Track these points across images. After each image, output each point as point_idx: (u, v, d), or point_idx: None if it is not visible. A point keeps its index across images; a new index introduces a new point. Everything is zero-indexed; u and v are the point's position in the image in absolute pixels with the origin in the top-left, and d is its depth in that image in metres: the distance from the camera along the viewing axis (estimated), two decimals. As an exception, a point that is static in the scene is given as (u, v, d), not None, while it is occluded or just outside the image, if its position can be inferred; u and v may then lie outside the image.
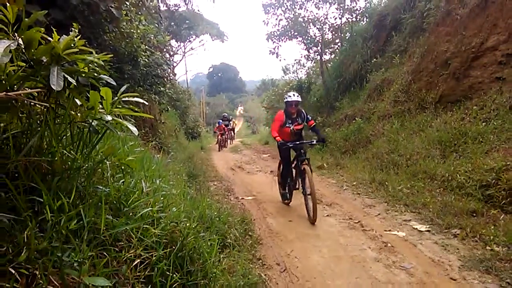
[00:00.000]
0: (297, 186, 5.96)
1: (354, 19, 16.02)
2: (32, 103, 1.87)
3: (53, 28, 1.97)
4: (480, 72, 7.26)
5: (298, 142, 5.72)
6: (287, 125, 5.93)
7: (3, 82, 1.75)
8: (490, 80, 6.99)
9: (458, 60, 7.85)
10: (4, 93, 1.63)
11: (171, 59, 18.83)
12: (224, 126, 20.57)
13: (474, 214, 4.77)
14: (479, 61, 7.34)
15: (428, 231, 4.61)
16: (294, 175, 6.05)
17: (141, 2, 8.15)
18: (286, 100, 5.90)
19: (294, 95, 5.85)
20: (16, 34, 1.77)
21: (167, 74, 9.50)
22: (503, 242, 3.91)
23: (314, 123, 6.24)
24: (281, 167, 6.44)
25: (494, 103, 6.55)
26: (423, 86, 8.90)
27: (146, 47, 7.53)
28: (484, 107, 6.73)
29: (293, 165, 6.04)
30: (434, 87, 8.43)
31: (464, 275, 3.46)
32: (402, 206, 5.66)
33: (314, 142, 5.92)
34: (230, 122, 23.76)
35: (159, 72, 8.32)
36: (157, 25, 10.55)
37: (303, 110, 6.06)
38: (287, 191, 6.33)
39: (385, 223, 5.13)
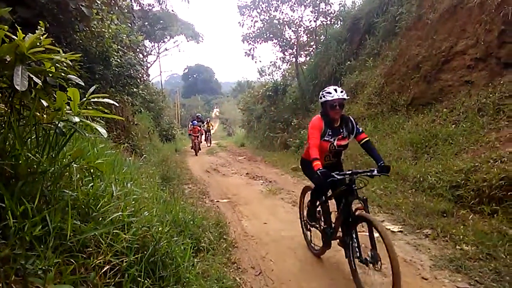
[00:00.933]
0: (337, 236, 3.75)
1: (328, 22, 16.24)
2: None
3: (19, 27, 1.89)
4: (450, 76, 7.48)
5: (349, 172, 3.43)
6: (325, 138, 3.73)
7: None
8: (460, 84, 7.21)
9: (429, 64, 8.06)
10: None
11: (144, 60, 18.53)
12: (198, 127, 18.77)
13: (445, 214, 4.89)
14: (449, 64, 7.57)
15: (401, 231, 4.70)
16: (331, 218, 3.94)
17: (113, 1, 7.97)
18: (325, 99, 3.63)
19: (337, 90, 3.63)
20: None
21: (140, 75, 9.32)
22: (472, 241, 4.02)
23: (368, 138, 3.88)
24: (312, 199, 4.23)
25: (463, 106, 6.76)
26: (396, 89, 9.09)
27: (118, 47, 7.38)
28: (454, 110, 6.93)
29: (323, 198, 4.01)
30: (406, 90, 8.63)
31: (435, 275, 3.53)
32: (376, 207, 5.74)
33: (376, 173, 3.46)
34: (204, 123, 22.45)
35: (132, 72, 8.16)
36: (130, 25, 10.35)
37: (351, 117, 3.89)
38: (319, 244, 4.14)
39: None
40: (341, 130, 3.79)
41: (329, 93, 3.61)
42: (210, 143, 23.00)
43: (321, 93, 3.72)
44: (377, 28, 12.01)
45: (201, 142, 19.56)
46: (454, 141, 6.27)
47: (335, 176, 3.26)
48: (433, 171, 5.88)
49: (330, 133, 3.74)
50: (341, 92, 3.60)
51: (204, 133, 21.87)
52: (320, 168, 3.26)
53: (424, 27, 8.70)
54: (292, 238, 4.74)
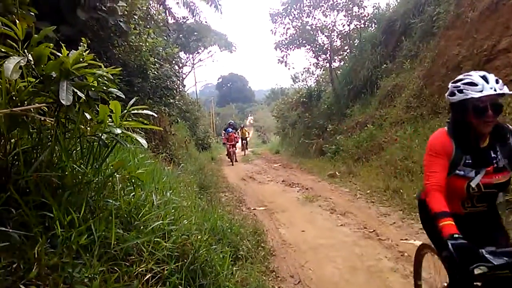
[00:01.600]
0: None
1: (362, 26, 15.98)
2: (42, 119, 1.88)
3: (62, 44, 1.99)
4: (493, 75, 7.14)
5: None
6: (459, 172, 2.01)
7: (14, 98, 1.76)
8: (505, 83, 6.83)
9: (470, 64, 7.73)
10: (10, 109, 1.63)
11: (180, 71, 18.99)
12: (234, 134, 17.64)
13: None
14: (491, 64, 7.22)
15: (445, 239, 4.50)
16: None
17: (149, 16, 8.25)
18: (463, 96, 1.93)
19: (488, 79, 1.92)
20: (26, 50, 1.79)
21: (176, 86, 9.55)
22: None
23: None
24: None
25: (509, 107, 6.42)
26: (436, 91, 8.78)
27: (155, 59, 7.59)
28: (499, 111, 6.60)
29: None
30: (447, 92, 8.31)
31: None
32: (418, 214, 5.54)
33: None
34: (238, 130, 20.82)
35: (168, 84, 8.37)
36: (165, 38, 10.68)
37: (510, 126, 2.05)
38: None
39: (401, 231, 5.02)
40: (493, 155, 1.98)
41: (473, 84, 1.91)
42: (246, 151, 21.93)
43: (451, 84, 2.04)
44: (414, 29, 11.71)
45: (236, 150, 18.20)
46: (501, 143, 5.96)
47: (488, 257, 1.60)
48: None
49: (468, 161, 1.97)
50: (497, 82, 1.93)
51: (240, 141, 20.52)
52: (454, 235, 1.67)
53: (464, 26, 8.38)
54: (331, 246, 4.66)
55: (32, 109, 1.93)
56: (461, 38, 8.37)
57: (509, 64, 6.83)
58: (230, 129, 17.90)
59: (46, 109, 2.05)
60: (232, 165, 16.23)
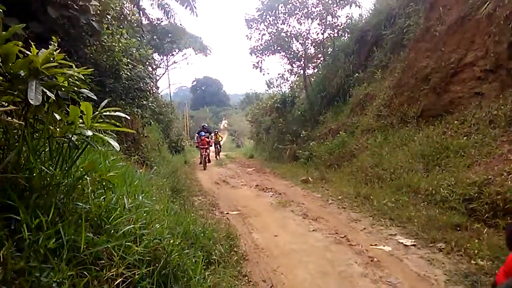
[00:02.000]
0: None
1: (336, 35, 16.28)
2: (9, 118, 1.82)
3: (32, 42, 1.93)
4: (460, 87, 7.43)
5: None
6: None
7: (-20, 96, 1.70)
8: (470, 95, 7.16)
9: (438, 76, 8.03)
10: None
11: (153, 73, 18.72)
12: (206, 139, 17.08)
13: (458, 228, 4.80)
14: (458, 76, 7.52)
15: (414, 245, 4.62)
16: None
17: (122, 16, 8.12)
18: None
19: None
20: (-7, 47, 1.72)
21: (149, 88, 9.43)
22: (488, 256, 3.93)
23: None
24: None
25: (474, 118, 6.69)
26: (405, 100, 9.05)
27: (128, 60, 7.47)
28: (465, 122, 6.86)
29: None
30: (416, 102, 8.59)
31: (450, 289, 3.46)
32: (388, 220, 5.67)
33: None
34: (212, 134, 20.36)
35: (141, 85, 8.25)
36: (139, 39, 10.52)
37: None
38: None
39: (371, 237, 5.12)
40: None
41: None
42: (219, 156, 21.60)
43: None
44: (385, 40, 12.04)
45: (209, 155, 17.23)
46: (466, 153, 6.19)
47: None
48: (445, 183, 5.79)
49: None
50: None
51: (213, 145, 20.19)
52: None
53: (432, 39, 8.69)
54: (303, 251, 4.69)
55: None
56: (429, 50, 8.67)
57: (474, 77, 7.14)
58: (203, 133, 17.56)
59: (13, 107, 1.98)
60: (204, 169, 15.57)
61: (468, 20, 7.57)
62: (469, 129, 6.64)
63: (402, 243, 4.72)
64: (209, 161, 17.08)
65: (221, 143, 24.30)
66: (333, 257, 4.45)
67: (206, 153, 16.42)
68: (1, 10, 2.29)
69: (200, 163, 16.52)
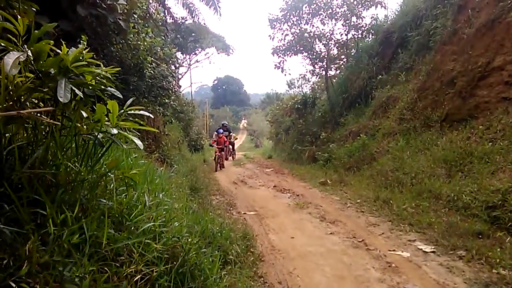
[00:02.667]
0: None
1: (360, 36, 16.09)
2: (38, 115, 1.87)
3: (62, 40, 1.99)
4: (486, 92, 7.24)
5: None
6: None
7: (11, 93, 1.75)
8: (497, 100, 6.96)
9: (464, 79, 7.84)
10: (17, 111, 1.63)
11: (176, 71, 18.92)
12: (224, 137, 15.84)
13: (480, 236, 4.69)
14: (485, 80, 7.33)
15: (433, 252, 4.53)
16: None
17: (148, 15, 8.23)
18: None
19: None
20: (25, 45, 1.78)
21: (172, 86, 9.53)
22: (510, 265, 3.83)
23: None
24: None
25: (500, 123, 6.51)
26: (429, 104, 8.88)
27: (152, 59, 7.58)
28: (490, 127, 6.69)
29: None
30: (440, 106, 8.41)
31: (470, 299, 3.38)
32: (407, 225, 5.58)
33: None
34: (232, 134, 19.57)
35: (164, 84, 8.36)
36: (163, 38, 10.65)
37: None
38: None
39: (389, 242, 5.06)
40: None
41: None
42: (234, 156, 20.81)
43: None
44: (410, 42, 11.84)
45: (222, 158, 15.76)
46: (491, 159, 6.04)
47: None
48: (468, 190, 5.66)
49: None
50: None
51: (228, 146, 18.74)
52: None
53: (460, 42, 8.50)
54: (319, 254, 4.67)
55: (28, 104, 1.93)
56: (456, 53, 8.48)
57: (502, 81, 6.94)
58: (221, 131, 16.40)
59: (42, 104, 2.04)
60: (215, 171, 14.46)
61: (498, 23, 7.37)
62: (494, 135, 6.47)
63: (421, 249, 4.64)
64: (223, 166, 15.61)
65: (236, 145, 23.28)
66: (350, 261, 4.41)
67: (220, 154, 15.10)
68: (34, 10, 2.37)
69: (214, 160, 15.32)
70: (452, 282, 3.74)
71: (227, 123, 19.39)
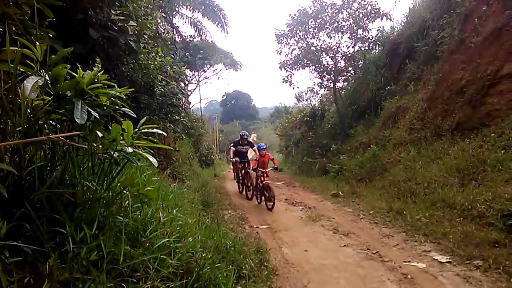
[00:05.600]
0: None
1: (366, 48, 16.15)
2: (56, 136, 1.94)
3: (77, 63, 2.07)
4: (497, 100, 7.20)
5: None
6: None
7: (30, 116, 1.82)
8: (508, 107, 6.92)
9: (474, 88, 7.82)
10: (47, 137, 1.70)
11: (185, 88, 19.11)
12: (269, 155, 10.94)
13: (497, 245, 4.61)
14: (495, 88, 7.30)
15: (449, 262, 4.47)
16: None
17: (157, 34, 8.41)
18: None
19: None
20: (43, 70, 1.86)
21: (182, 103, 9.67)
22: (528, 274, 3.76)
23: None
24: None
25: (512, 130, 6.46)
26: (439, 113, 8.84)
27: (162, 77, 7.70)
28: (503, 134, 6.63)
29: None
30: (450, 115, 8.37)
31: (488, 310, 3.32)
32: (421, 236, 5.52)
33: None
34: (256, 149, 11.42)
35: (174, 101, 8.47)
36: (172, 56, 10.83)
37: None
38: None
39: (404, 253, 5.00)
40: None
41: None
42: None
43: None
44: (418, 53, 11.87)
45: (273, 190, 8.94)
46: (504, 167, 5.97)
47: None
48: (482, 198, 5.59)
49: None
50: None
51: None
52: None
53: (468, 50, 8.49)
54: (334, 267, 4.63)
55: (46, 126, 2.00)
56: (465, 62, 8.47)
57: (512, 89, 6.90)
58: (263, 145, 11.38)
59: (59, 126, 2.11)
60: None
61: (506, 31, 7.38)
62: (507, 142, 6.41)
63: (436, 259, 4.58)
64: (273, 206, 8.81)
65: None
66: (365, 273, 4.37)
67: (267, 183, 9.14)
68: (50, 35, 2.46)
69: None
70: (469, 292, 3.69)
71: (246, 134, 12.49)
